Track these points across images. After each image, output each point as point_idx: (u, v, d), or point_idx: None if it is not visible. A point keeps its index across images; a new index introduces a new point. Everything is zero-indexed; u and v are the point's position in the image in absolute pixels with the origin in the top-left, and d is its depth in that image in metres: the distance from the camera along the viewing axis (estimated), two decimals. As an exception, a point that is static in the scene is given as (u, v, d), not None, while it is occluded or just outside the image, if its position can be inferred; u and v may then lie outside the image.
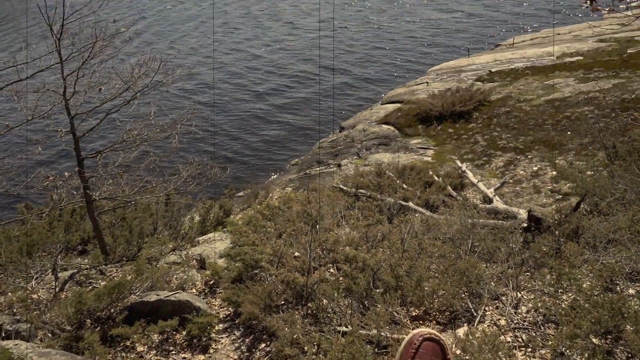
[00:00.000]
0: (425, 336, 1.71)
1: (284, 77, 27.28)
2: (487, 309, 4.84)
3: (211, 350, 5.27)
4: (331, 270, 6.23)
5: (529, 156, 12.08)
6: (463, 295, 5.05)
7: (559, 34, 24.08)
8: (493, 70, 19.26)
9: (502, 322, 4.63)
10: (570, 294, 4.71)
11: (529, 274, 5.46)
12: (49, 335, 5.45)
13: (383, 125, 16.56)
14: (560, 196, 9.82)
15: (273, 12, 43.43)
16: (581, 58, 18.55)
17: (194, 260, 7.66)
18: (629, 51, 18.06)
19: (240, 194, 14.76)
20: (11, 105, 9.72)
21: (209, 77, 28.86)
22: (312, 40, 33.09)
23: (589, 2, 4.22)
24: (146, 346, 5.39)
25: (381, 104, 19.60)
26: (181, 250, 8.50)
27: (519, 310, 4.75)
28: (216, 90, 26.76)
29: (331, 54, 29.51)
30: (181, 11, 50.03)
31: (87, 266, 7.82)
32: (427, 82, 19.85)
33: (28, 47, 9.75)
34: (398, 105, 17.99)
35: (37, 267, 7.33)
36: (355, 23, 35.76)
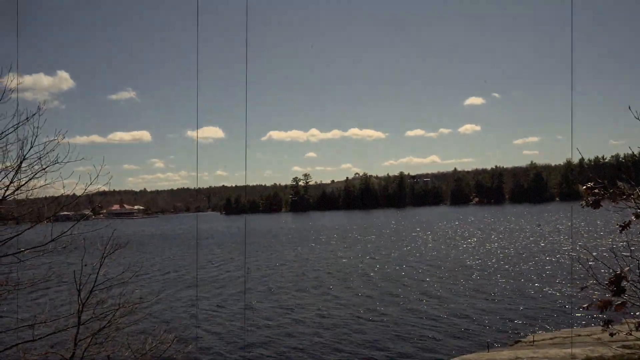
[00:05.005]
0: None
1: None
2: None
3: None
4: None
5: None
6: None
7: (579, 335, 23.68)
8: (515, 368, 18.40)
9: None
10: None
11: None
12: None
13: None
14: None
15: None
16: (607, 364, 17.78)
17: None
18: (656, 361, 17.33)
19: None
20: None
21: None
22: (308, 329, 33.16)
23: (604, 324, 4.28)
24: None
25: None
26: None
27: None
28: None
29: (340, 341, 29.14)
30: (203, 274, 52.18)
31: None
32: (446, 375, 18.87)
33: (50, 308, 9.96)
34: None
35: None
36: (371, 311, 36.30)
